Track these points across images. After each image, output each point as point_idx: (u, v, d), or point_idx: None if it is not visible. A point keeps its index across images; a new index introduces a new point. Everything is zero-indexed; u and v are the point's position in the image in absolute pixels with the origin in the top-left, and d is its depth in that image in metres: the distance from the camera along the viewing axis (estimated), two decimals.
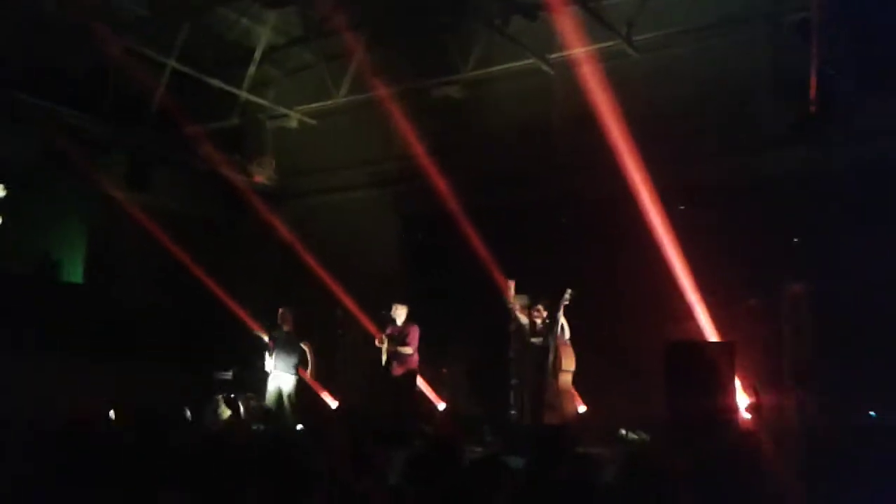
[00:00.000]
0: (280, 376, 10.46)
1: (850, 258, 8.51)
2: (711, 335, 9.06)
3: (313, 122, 12.47)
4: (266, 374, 10.59)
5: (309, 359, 10.57)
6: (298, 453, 3.62)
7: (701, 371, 7.71)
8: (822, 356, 8.39)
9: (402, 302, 10.22)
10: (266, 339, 10.56)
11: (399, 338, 9.99)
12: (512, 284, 10.01)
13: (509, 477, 4.03)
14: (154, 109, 11.15)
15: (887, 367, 8.13)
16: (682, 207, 9.71)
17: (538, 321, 9.59)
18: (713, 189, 9.71)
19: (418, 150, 11.28)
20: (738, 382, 7.99)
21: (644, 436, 9.07)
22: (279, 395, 10.41)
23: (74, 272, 11.93)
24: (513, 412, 10.45)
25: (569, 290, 9.18)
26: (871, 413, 8.28)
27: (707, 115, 9.77)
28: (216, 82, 11.67)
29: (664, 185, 9.45)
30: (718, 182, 9.74)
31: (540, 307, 9.64)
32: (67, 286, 11.69)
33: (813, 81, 8.48)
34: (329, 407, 11.21)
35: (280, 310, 10.71)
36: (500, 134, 11.25)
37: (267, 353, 10.55)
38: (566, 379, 9.32)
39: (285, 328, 10.60)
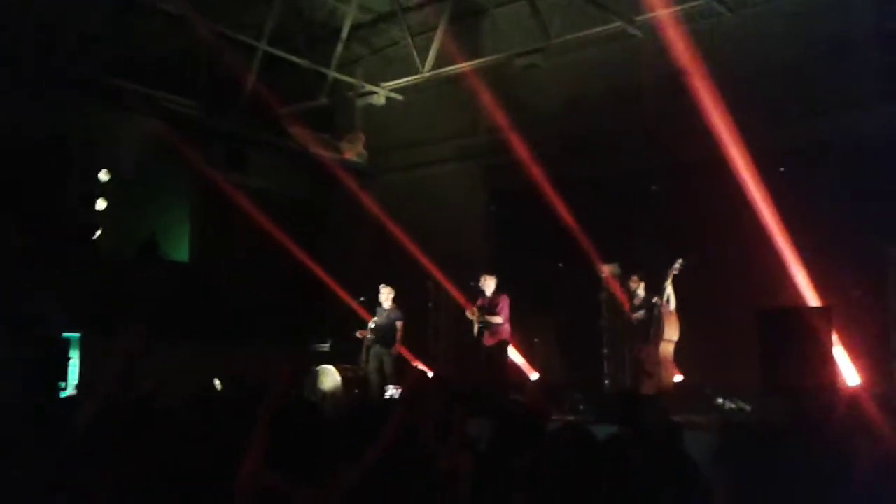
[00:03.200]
0: (380, 351, 10.71)
1: None
2: (811, 301, 8.78)
3: (400, 97, 12.58)
4: (362, 345, 10.86)
5: (397, 336, 10.76)
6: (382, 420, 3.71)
7: (797, 337, 7.49)
8: None
9: (490, 273, 10.27)
10: (371, 324, 10.78)
11: (489, 308, 10.06)
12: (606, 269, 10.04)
13: (595, 446, 4.06)
14: (247, 92, 11.47)
15: None
16: (781, 170, 9.40)
17: (636, 291, 9.52)
18: (811, 150, 9.36)
19: (505, 122, 11.25)
20: (838, 349, 7.74)
21: (742, 404, 8.89)
22: (380, 369, 10.64)
23: (180, 251, 12.42)
24: (606, 381, 10.44)
25: (679, 260, 9.05)
26: None
27: (803, 74, 9.39)
28: (305, 63, 11.92)
29: (759, 147, 9.17)
30: (817, 143, 9.39)
31: (636, 277, 9.55)
32: (173, 265, 12.11)
33: None
34: (425, 376, 11.39)
35: (381, 286, 10.91)
36: (587, 102, 11.12)
37: (369, 329, 10.80)
38: (667, 348, 9.23)
39: (385, 304, 10.81)
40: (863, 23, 9.08)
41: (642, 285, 9.54)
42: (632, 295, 9.66)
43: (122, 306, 9.89)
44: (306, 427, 3.80)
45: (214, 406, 3.95)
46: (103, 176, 10.20)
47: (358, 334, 10.82)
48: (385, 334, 10.70)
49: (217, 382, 8.69)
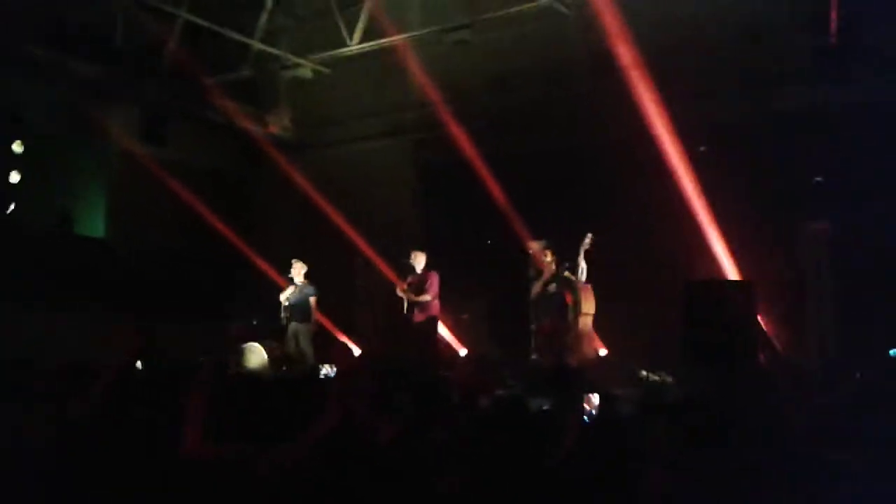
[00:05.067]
0: (296, 328, 10.61)
1: (872, 196, 8.40)
2: (732, 275, 9.04)
3: (328, 70, 12.37)
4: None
5: (313, 312, 10.68)
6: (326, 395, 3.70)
7: (720, 310, 7.70)
8: (841, 294, 8.37)
9: (420, 249, 10.24)
10: (284, 301, 10.66)
11: (419, 285, 10.04)
12: (535, 246, 10.12)
13: (530, 418, 4.09)
14: (167, 61, 11.10)
15: None
16: (702, 149, 9.61)
17: (549, 265, 9.66)
18: (732, 127, 9.58)
19: (434, 97, 11.19)
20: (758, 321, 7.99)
21: (665, 377, 9.11)
22: (296, 343, 10.57)
23: (95, 226, 12.03)
24: (533, 356, 10.55)
25: (589, 235, 9.19)
26: (892, 351, 8.25)
27: (725, 52, 9.59)
28: (228, 32, 11.59)
29: (683, 124, 9.35)
30: (738, 120, 9.61)
31: (548, 252, 9.69)
32: (87, 240, 11.75)
33: (833, 14, 8.30)
34: (352, 353, 11.34)
35: (292, 261, 10.79)
36: (516, 78, 11.13)
37: (282, 306, 10.68)
38: (586, 321, 9.38)
39: (297, 280, 10.69)
40: (789, 3, 9.28)
41: (555, 259, 9.67)
42: (545, 269, 9.79)
43: (37, 280, 9.56)
44: (247, 398, 3.75)
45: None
46: (17, 147, 9.79)
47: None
48: (300, 310, 10.62)
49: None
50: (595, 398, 5.75)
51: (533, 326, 10.55)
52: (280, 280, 11.18)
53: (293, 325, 10.65)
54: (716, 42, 9.59)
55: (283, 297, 10.69)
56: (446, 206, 11.80)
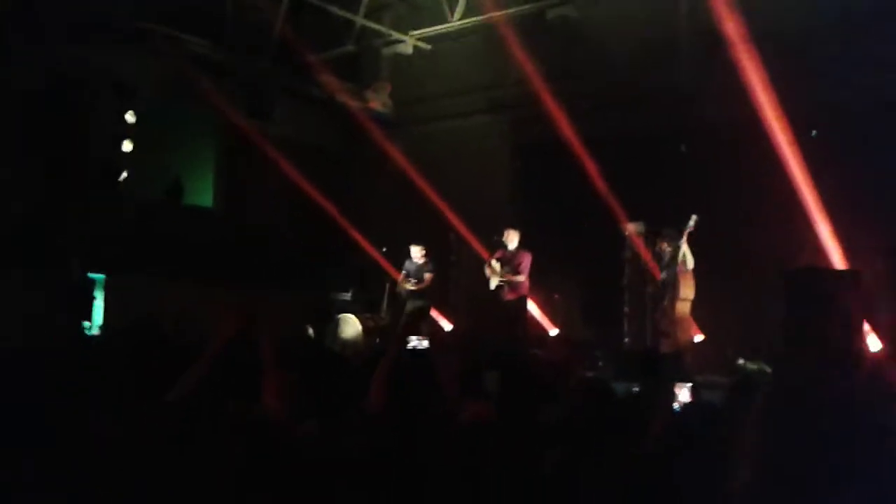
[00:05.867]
0: (414, 302, 10.81)
1: None
2: (839, 265, 8.67)
3: (429, 47, 12.40)
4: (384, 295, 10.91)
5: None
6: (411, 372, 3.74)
7: (822, 299, 7.39)
8: None
9: (514, 227, 10.22)
10: (408, 284, 10.87)
11: (510, 262, 10.03)
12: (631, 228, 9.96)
13: (615, 401, 4.04)
14: (274, 38, 11.35)
15: None
16: (813, 133, 9.22)
17: (662, 252, 9.43)
18: (846, 111, 9.12)
19: (534, 75, 11.07)
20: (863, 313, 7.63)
21: (764, 366, 8.84)
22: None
23: (204, 197, 12.46)
24: (626, 339, 10.42)
25: (693, 217, 8.92)
26: None
27: (840, 35, 9.13)
28: (333, 9, 11.75)
29: (794, 108, 8.96)
30: (852, 104, 9.15)
31: (665, 242, 9.41)
32: (196, 210, 12.18)
33: None
34: (443, 329, 11.47)
35: (411, 247, 10.95)
36: (618, 57, 10.89)
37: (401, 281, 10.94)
38: (683, 307, 9.17)
39: (417, 261, 10.87)
40: None
41: (669, 247, 9.42)
42: (658, 256, 9.57)
43: (146, 249, 9.95)
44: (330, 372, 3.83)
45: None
46: (129, 118, 10.21)
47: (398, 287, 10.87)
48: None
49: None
50: (686, 387, 5.65)
51: (627, 309, 10.43)
52: (376, 255, 11.39)
53: (413, 301, 10.82)
54: (830, 26, 9.13)
55: (406, 281, 10.88)
56: (542, 186, 11.70)
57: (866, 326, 7.67)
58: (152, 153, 10.85)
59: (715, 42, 9.18)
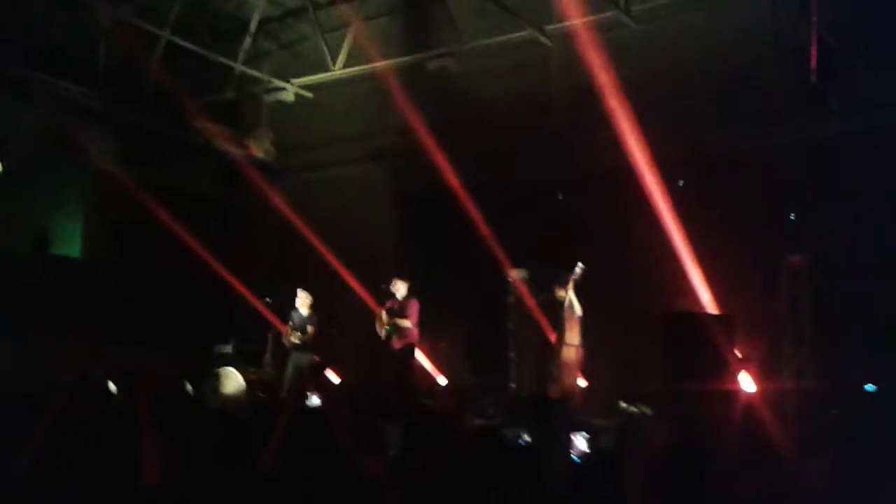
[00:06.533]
0: (301, 358, 10.49)
1: (851, 230, 8.47)
2: (711, 308, 9.05)
3: (310, 95, 12.36)
4: (265, 348, 10.61)
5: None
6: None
7: (699, 343, 7.69)
8: (820, 328, 8.41)
9: (401, 277, 10.19)
10: (293, 338, 10.52)
11: (399, 312, 9.98)
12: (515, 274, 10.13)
13: (507, 448, 4.04)
14: (149, 83, 11.05)
15: (884, 338, 8.12)
16: (680, 183, 9.67)
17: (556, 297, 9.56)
18: (713, 161, 9.66)
19: (416, 124, 11.18)
20: (737, 356, 7.99)
21: (644, 408, 9.08)
22: (299, 376, 10.41)
23: (72, 247, 11.89)
24: (512, 385, 10.51)
25: (580, 265, 9.12)
26: (868, 386, 8.27)
27: (706, 87, 9.70)
28: (211, 55, 11.57)
29: (664, 158, 9.39)
30: (718, 154, 9.69)
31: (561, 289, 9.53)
32: (64, 260, 11.62)
33: (814, 51, 8.41)
34: (332, 383, 11.24)
35: (298, 291, 10.66)
36: (497, 108, 11.17)
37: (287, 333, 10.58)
38: (569, 353, 9.35)
39: (302, 310, 10.59)
40: (763, 37, 9.41)
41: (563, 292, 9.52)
42: (548, 302, 9.69)
43: (11, 301, 9.44)
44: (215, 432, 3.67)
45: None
46: None
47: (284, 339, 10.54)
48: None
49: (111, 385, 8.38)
50: (580, 435, 5.69)
51: (512, 355, 10.53)
52: (259, 305, 11.08)
53: (296, 356, 10.49)
54: (697, 77, 9.69)
55: (291, 333, 10.53)
56: (426, 234, 11.75)
57: (742, 366, 8.03)
58: (20, 202, 10.32)
59: (589, 95, 9.54)
